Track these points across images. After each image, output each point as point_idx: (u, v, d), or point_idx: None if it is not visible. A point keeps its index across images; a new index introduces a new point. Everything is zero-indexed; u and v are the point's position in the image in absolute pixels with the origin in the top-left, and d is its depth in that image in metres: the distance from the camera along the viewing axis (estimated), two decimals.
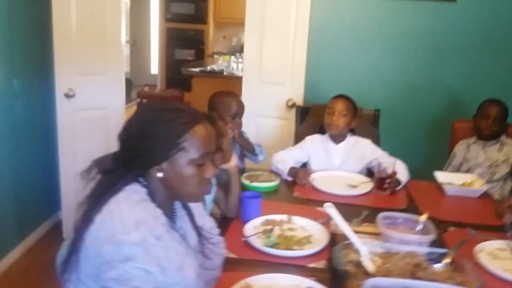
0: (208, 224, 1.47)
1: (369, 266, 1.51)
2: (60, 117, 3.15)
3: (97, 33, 3.25)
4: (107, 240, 1.08)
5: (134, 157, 1.19)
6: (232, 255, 1.60)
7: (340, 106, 2.47)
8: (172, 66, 7.96)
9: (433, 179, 2.49)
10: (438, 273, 1.47)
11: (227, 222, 1.86)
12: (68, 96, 3.14)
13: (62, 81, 3.11)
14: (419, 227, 1.75)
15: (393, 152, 2.47)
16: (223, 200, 1.90)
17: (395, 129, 3.24)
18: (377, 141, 2.75)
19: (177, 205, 1.34)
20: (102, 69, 3.34)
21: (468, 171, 2.72)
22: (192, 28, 8.05)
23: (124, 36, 3.47)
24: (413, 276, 1.44)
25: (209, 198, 1.83)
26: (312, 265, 1.57)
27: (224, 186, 1.93)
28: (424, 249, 1.58)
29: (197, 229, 1.37)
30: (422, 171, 2.54)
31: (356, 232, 1.63)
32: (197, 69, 5.83)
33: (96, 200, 1.16)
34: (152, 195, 1.21)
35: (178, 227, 1.30)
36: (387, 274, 1.48)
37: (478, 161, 2.73)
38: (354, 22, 3.27)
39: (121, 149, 1.22)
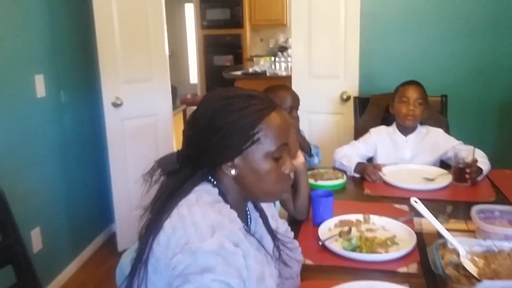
0: (283, 227, 1.30)
1: (472, 268, 1.30)
2: (109, 126, 3.09)
3: (141, 40, 3.21)
4: (180, 249, 0.93)
5: (202, 154, 1.04)
6: (308, 261, 1.42)
7: (415, 94, 2.25)
8: (211, 73, 7.92)
9: None
10: None
11: (297, 225, 1.68)
12: (115, 105, 3.09)
13: (108, 90, 3.06)
14: None
15: (465, 142, 2.22)
16: (291, 201, 1.73)
17: (464, 116, 2.97)
18: (446, 130, 2.50)
19: (250, 206, 1.18)
20: (147, 76, 3.28)
21: None
22: (228, 33, 7.99)
23: (167, 42, 3.39)
24: None
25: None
26: (402, 269, 1.37)
27: (291, 186, 1.77)
28: None
29: (272, 233, 1.20)
30: (498, 160, 2.29)
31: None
32: (239, 72, 5.72)
33: (163, 204, 1.02)
34: (224, 196, 1.06)
35: (252, 231, 1.14)
36: (494, 276, 1.27)
37: None
38: (408, 3, 3.03)
39: (187, 145, 1.07)
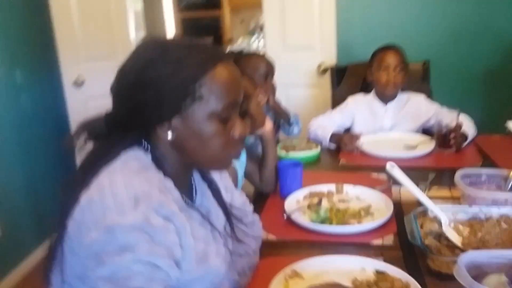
0: (239, 199, 1.13)
1: (455, 237, 1.14)
2: (71, 107, 2.89)
3: (101, 14, 2.97)
4: (95, 225, 0.75)
5: (132, 114, 0.85)
6: (271, 237, 1.26)
7: (395, 59, 2.07)
8: None
9: (502, 133, 2.08)
10: None
11: (263, 198, 1.51)
12: (77, 84, 2.88)
13: (68, 69, 2.86)
14: (510, 184, 1.35)
15: (448, 108, 2.05)
16: (256, 173, 1.55)
17: (447, 82, 2.79)
18: (429, 97, 2.33)
19: (196, 176, 1.00)
20: (111, 53, 3.04)
21: None
22: (207, 15, 7.74)
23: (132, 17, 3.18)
24: None
25: (239, 171, 1.48)
26: (377, 242, 1.21)
27: (257, 158, 1.59)
28: None
29: (224, 207, 1.03)
30: (486, 127, 2.13)
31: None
32: None
33: (84, 173, 0.84)
34: (159, 163, 0.88)
35: (198, 205, 0.96)
36: (481, 245, 1.11)
37: None
38: None
39: (115, 104, 0.89)
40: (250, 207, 1.16)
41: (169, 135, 0.86)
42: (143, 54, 0.87)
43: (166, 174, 0.87)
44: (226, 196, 1.07)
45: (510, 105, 2.55)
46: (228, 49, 5.69)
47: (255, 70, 2.03)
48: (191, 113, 0.84)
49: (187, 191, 0.95)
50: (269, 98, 2.05)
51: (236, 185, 1.42)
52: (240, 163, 1.52)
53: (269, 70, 2.07)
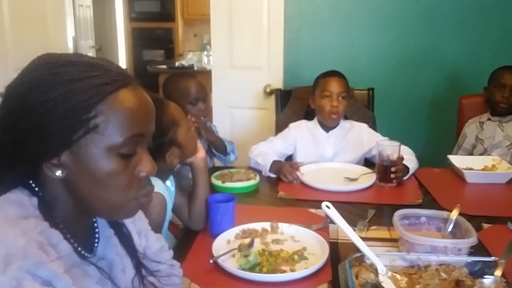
0: (155, 245, 0.98)
1: None
2: None
3: (37, 25, 2.76)
4: None
5: (14, 146, 0.70)
6: (194, 286, 1.12)
7: (338, 87, 2.00)
8: (140, 69, 7.42)
9: (443, 166, 2.07)
10: None
11: (191, 237, 1.38)
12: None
13: None
14: (450, 227, 1.30)
15: (392, 138, 2.00)
16: (185, 207, 1.42)
17: (392, 111, 2.79)
18: (373, 125, 2.30)
19: (101, 222, 0.85)
20: None
21: (483, 154, 2.29)
22: (159, 26, 7.57)
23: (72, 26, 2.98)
24: None
25: (169, 203, 1.33)
26: None
27: (187, 189, 1.46)
28: (464, 258, 1.13)
29: (135, 257, 0.88)
30: (427, 158, 2.11)
31: (364, 239, 1.17)
32: (164, 66, 5.33)
33: None
34: (48, 209, 0.73)
35: (99, 257, 0.81)
36: None
37: (495, 141, 2.29)
38: None
39: None
40: (168, 254, 1.03)
41: (58, 173, 0.71)
42: (31, 74, 0.71)
43: (56, 221, 0.72)
44: (139, 243, 0.93)
45: (452, 136, 2.57)
46: (178, 64, 5.52)
47: (184, 93, 1.91)
48: (84, 147, 0.69)
49: (85, 241, 0.80)
50: (200, 127, 1.92)
51: (161, 222, 1.28)
52: (170, 196, 1.38)
53: (199, 93, 1.95)
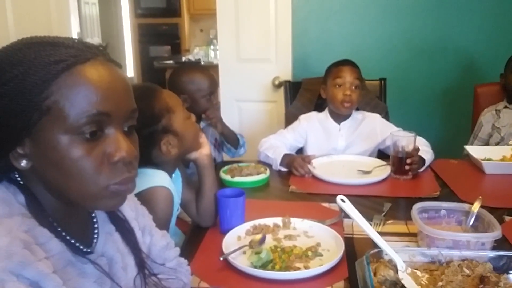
0: (159, 243, 0.93)
1: (413, 286, 0.99)
2: None
3: (41, 22, 2.71)
4: None
5: None
6: (204, 285, 1.07)
7: (351, 76, 1.93)
8: (147, 65, 7.41)
9: (459, 157, 2.00)
10: None
11: (201, 233, 1.33)
12: None
13: None
14: (471, 220, 1.23)
15: (405, 129, 1.93)
16: (193, 203, 1.37)
17: (405, 101, 2.71)
18: (385, 116, 2.23)
19: (101, 215, 0.80)
20: None
21: (500, 143, 2.21)
22: (165, 22, 7.52)
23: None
24: None
25: (176, 199, 1.28)
26: None
27: (195, 185, 1.41)
28: (488, 253, 1.07)
29: (138, 254, 0.83)
30: (443, 149, 2.04)
31: (381, 233, 1.11)
32: (171, 61, 5.28)
33: None
34: (36, 205, 0.68)
35: (98, 254, 0.76)
36: None
37: None
38: None
39: None
40: (175, 252, 0.98)
41: (23, 163, 0.65)
42: None
43: (46, 218, 0.68)
44: (142, 240, 0.88)
45: (467, 126, 2.49)
46: (184, 59, 5.47)
47: (200, 87, 1.86)
48: (42, 132, 0.64)
49: (83, 235, 0.75)
50: (216, 122, 1.89)
51: (167, 217, 1.23)
52: (177, 191, 1.33)
53: (213, 87, 1.90)
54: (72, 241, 0.71)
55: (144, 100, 1.18)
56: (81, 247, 0.72)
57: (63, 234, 0.69)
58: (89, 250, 0.74)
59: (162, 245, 0.93)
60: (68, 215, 0.72)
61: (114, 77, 0.68)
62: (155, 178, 1.20)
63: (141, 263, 0.83)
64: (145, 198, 1.04)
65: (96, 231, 0.78)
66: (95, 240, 0.77)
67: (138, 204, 0.92)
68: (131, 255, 0.82)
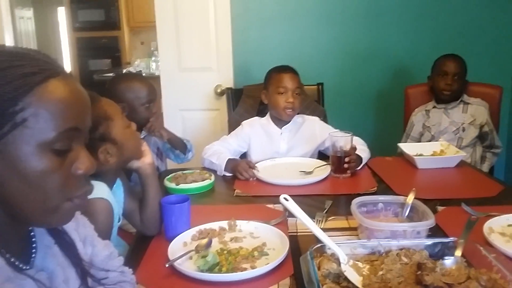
0: (101, 253, 0.92)
1: (355, 277, 1.04)
2: None
3: None
4: None
5: None
6: None
7: (293, 83, 1.98)
8: (86, 78, 7.16)
9: (393, 155, 2.11)
10: (453, 272, 1.02)
11: (146, 242, 1.31)
12: None
13: None
14: (407, 211, 1.31)
15: (343, 130, 2.01)
16: (137, 213, 1.35)
17: (342, 104, 2.83)
18: (324, 119, 2.31)
19: (38, 230, 0.78)
20: None
21: (430, 140, 2.35)
22: (104, 35, 7.33)
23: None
24: (420, 282, 0.99)
25: (116, 209, 1.26)
26: None
27: (138, 194, 1.39)
28: (424, 241, 1.13)
29: (80, 266, 0.82)
30: (378, 148, 2.15)
31: (323, 230, 1.15)
32: (111, 74, 5.17)
33: None
34: None
35: (37, 269, 0.74)
36: (383, 286, 1.02)
37: (442, 127, 2.36)
38: None
39: None
40: (118, 261, 0.96)
41: None
42: None
43: None
44: (84, 251, 0.86)
45: (400, 125, 2.63)
46: (125, 71, 5.37)
47: (140, 94, 1.84)
48: (12, 144, 0.63)
49: (20, 252, 0.72)
50: (160, 132, 1.87)
51: (108, 228, 1.20)
52: (118, 201, 1.31)
53: (152, 95, 1.89)
54: (8, 256, 0.68)
55: None
56: (18, 263, 0.70)
57: (2, 250, 0.67)
58: (27, 267, 0.71)
59: (104, 255, 0.92)
60: (7, 231, 0.69)
61: (80, 92, 0.70)
62: (93, 190, 1.17)
63: (84, 274, 0.81)
64: (83, 211, 1.02)
65: (34, 245, 0.76)
66: (33, 255, 0.75)
67: (78, 214, 0.90)
68: (72, 267, 0.80)
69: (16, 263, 0.69)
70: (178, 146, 2.04)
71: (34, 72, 0.64)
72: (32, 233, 0.76)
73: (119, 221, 1.30)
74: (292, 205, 1.17)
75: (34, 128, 0.63)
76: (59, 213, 0.69)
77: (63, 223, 0.74)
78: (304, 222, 1.14)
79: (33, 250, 0.75)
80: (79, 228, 0.87)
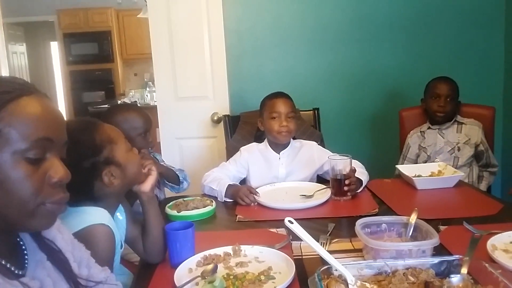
0: (97, 276, 0.94)
1: None
2: None
3: None
4: None
5: None
6: None
7: (285, 107, 2.01)
8: (81, 111, 7.22)
9: (392, 176, 2.14)
10: None
11: (151, 269, 1.30)
12: None
13: None
14: (410, 231, 1.31)
15: (340, 153, 2.03)
16: (140, 241, 1.34)
17: (338, 128, 2.87)
18: (321, 143, 2.33)
19: (31, 244, 0.82)
20: None
21: (427, 161, 2.38)
22: (98, 68, 7.44)
23: None
24: None
25: (117, 236, 1.25)
26: None
27: (141, 223, 1.38)
28: (430, 260, 1.14)
29: (72, 278, 0.85)
30: (375, 170, 2.16)
31: (328, 252, 1.16)
32: (106, 105, 5.21)
33: None
34: None
35: (29, 278, 0.76)
36: None
37: (437, 147, 2.40)
38: (273, 19, 2.91)
39: None
40: (104, 274, 0.97)
41: None
42: None
43: None
44: (78, 272, 0.88)
45: (396, 147, 2.66)
46: (119, 102, 5.41)
47: (135, 125, 1.85)
48: None
49: (11, 258, 0.75)
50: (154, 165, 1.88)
51: (109, 255, 1.19)
52: (121, 227, 1.31)
53: (148, 125, 1.90)
54: (7, 264, 0.72)
55: (85, 132, 1.18)
56: (12, 268, 0.73)
57: None
58: (20, 273, 0.75)
59: (102, 277, 0.93)
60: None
61: (54, 109, 0.77)
62: (93, 216, 1.16)
63: (76, 286, 0.84)
64: (83, 237, 1.03)
65: (26, 257, 0.79)
66: (26, 264, 0.78)
67: (74, 240, 0.94)
68: (65, 281, 0.83)
69: (12, 268, 0.73)
70: (170, 178, 2.04)
71: (8, 91, 0.72)
72: (23, 247, 0.80)
73: (121, 248, 1.29)
74: (297, 228, 1.18)
75: (8, 139, 0.70)
76: (37, 217, 0.75)
77: (44, 227, 0.79)
78: (310, 243, 1.14)
79: (26, 261, 0.78)
80: (74, 251, 0.91)
